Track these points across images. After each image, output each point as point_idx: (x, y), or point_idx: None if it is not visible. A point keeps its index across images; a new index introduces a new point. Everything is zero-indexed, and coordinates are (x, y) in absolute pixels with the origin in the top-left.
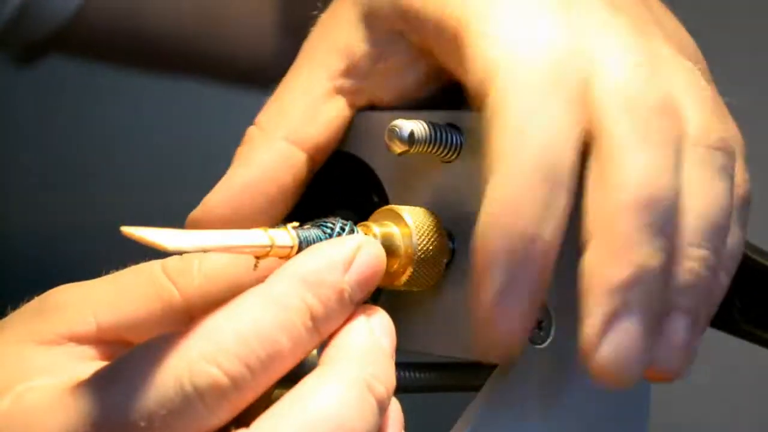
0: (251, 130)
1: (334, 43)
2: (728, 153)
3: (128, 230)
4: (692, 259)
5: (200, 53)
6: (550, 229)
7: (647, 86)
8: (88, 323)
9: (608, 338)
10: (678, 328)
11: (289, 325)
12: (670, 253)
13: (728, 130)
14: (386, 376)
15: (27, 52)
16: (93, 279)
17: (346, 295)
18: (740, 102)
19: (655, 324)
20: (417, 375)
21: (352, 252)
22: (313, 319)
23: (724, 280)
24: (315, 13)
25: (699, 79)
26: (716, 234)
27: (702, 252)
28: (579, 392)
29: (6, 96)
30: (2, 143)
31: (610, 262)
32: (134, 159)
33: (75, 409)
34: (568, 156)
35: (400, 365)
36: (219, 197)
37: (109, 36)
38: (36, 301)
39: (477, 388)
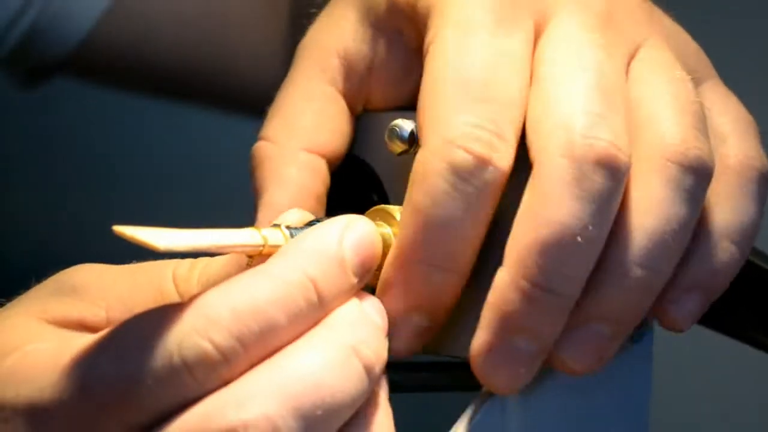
0: (264, 147)
1: (332, 46)
2: (701, 175)
3: (120, 229)
4: (628, 277)
5: (208, 83)
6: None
7: (593, 127)
8: (99, 315)
9: (494, 353)
10: (595, 336)
11: (287, 299)
12: (575, 294)
13: (708, 149)
14: (375, 343)
15: (33, 75)
16: (112, 265)
17: (347, 266)
18: (746, 100)
19: (545, 350)
20: (417, 375)
21: (343, 225)
22: (317, 291)
23: (733, 256)
24: (313, 11)
25: (686, 91)
26: (662, 256)
27: (641, 271)
28: (580, 391)
29: (9, 111)
30: (5, 150)
31: (514, 291)
32: (134, 167)
33: (67, 372)
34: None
35: (400, 365)
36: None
37: (115, 64)
38: (54, 280)
39: (477, 388)
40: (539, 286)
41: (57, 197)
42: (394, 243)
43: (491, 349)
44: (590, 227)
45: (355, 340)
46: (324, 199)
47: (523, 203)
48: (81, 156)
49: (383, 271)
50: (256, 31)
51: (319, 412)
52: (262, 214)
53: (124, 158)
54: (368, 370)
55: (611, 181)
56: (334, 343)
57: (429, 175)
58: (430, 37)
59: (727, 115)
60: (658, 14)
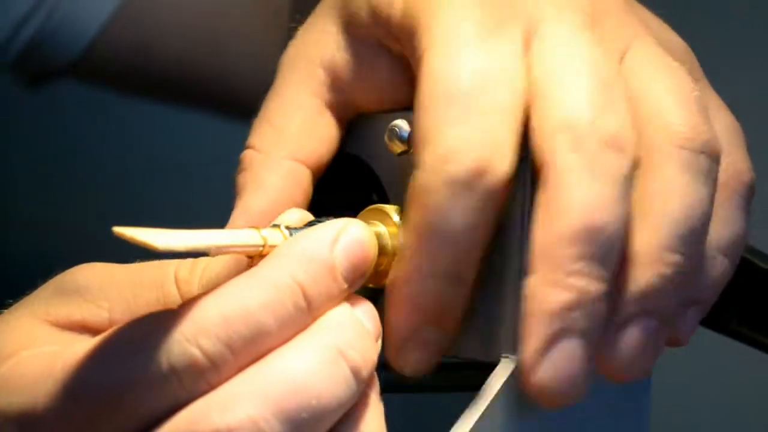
0: (250, 154)
1: (316, 56)
2: (713, 157)
3: (120, 230)
4: (664, 264)
5: (212, 88)
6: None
7: (598, 119)
8: (101, 316)
9: (547, 359)
10: (642, 332)
11: (277, 305)
12: (611, 279)
13: (714, 132)
14: (363, 346)
15: (38, 78)
16: (117, 264)
17: (337, 272)
18: (739, 100)
19: (598, 343)
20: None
21: (336, 230)
22: (306, 296)
23: (725, 269)
24: (293, 25)
25: (684, 79)
26: (692, 239)
27: (675, 257)
28: None
29: (11, 110)
30: (5, 151)
31: (550, 288)
32: (134, 167)
33: (59, 380)
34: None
35: None
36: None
37: (119, 69)
38: (58, 279)
39: (477, 388)
40: (574, 274)
41: (58, 198)
42: (396, 261)
43: (544, 355)
44: (610, 206)
45: (342, 342)
46: (303, 209)
47: (538, 205)
48: (82, 157)
49: (388, 290)
50: (260, 37)
51: (304, 415)
52: (236, 218)
53: (125, 159)
54: (355, 373)
55: (622, 159)
56: (320, 346)
57: (427, 192)
58: (418, 53)
59: (718, 126)
60: (643, 13)
